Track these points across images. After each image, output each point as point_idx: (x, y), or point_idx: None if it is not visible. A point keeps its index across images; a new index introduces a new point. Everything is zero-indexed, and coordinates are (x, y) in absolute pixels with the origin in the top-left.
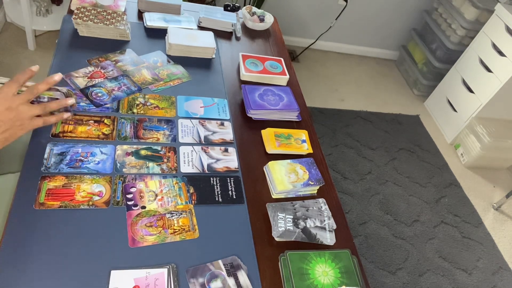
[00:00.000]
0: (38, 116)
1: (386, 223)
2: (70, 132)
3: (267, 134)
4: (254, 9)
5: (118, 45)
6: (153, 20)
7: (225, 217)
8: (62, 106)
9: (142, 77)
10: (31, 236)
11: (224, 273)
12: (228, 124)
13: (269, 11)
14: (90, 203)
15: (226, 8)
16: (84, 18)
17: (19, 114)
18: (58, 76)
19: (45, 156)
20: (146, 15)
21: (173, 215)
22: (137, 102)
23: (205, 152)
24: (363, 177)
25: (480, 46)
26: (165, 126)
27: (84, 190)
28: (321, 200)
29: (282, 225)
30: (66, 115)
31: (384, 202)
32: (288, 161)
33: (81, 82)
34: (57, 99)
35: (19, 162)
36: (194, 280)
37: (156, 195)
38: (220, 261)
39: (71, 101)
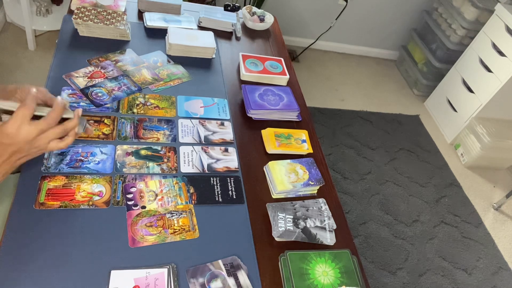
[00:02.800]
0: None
1: (386, 223)
2: None
3: (267, 134)
4: (254, 9)
5: (118, 45)
6: (153, 20)
7: (225, 217)
8: (78, 124)
9: (142, 77)
10: (31, 236)
11: (224, 273)
12: (228, 124)
13: (269, 11)
14: (90, 203)
15: (226, 8)
16: (84, 18)
17: (37, 142)
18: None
19: (45, 156)
20: (146, 15)
21: (173, 215)
22: (137, 102)
23: (205, 152)
24: (363, 177)
25: (480, 46)
26: (165, 126)
27: (84, 190)
28: (321, 200)
29: (282, 225)
30: (79, 130)
31: (384, 202)
32: (288, 161)
33: (81, 82)
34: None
35: None
36: (194, 280)
37: (156, 195)
38: (220, 261)
39: (80, 111)
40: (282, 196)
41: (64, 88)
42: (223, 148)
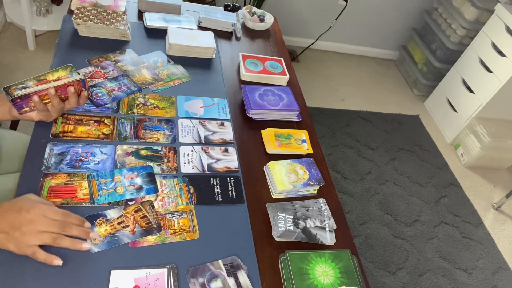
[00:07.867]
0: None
1: (386, 223)
2: (70, 132)
3: (267, 134)
4: (254, 9)
5: (118, 45)
6: (153, 20)
7: (225, 217)
8: (73, 248)
9: (142, 77)
10: None
11: (224, 273)
12: (228, 124)
13: (269, 11)
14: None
15: (226, 8)
16: (84, 18)
17: (23, 237)
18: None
19: (45, 156)
20: (146, 15)
21: (174, 215)
22: (137, 102)
23: (205, 152)
24: (363, 177)
25: (480, 46)
26: (165, 126)
27: (86, 188)
28: (321, 200)
29: (282, 225)
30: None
31: (384, 202)
32: (288, 161)
33: None
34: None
35: (19, 162)
36: (194, 280)
37: (157, 195)
38: (220, 261)
39: (85, 245)
40: (282, 196)
41: None
42: (223, 148)
